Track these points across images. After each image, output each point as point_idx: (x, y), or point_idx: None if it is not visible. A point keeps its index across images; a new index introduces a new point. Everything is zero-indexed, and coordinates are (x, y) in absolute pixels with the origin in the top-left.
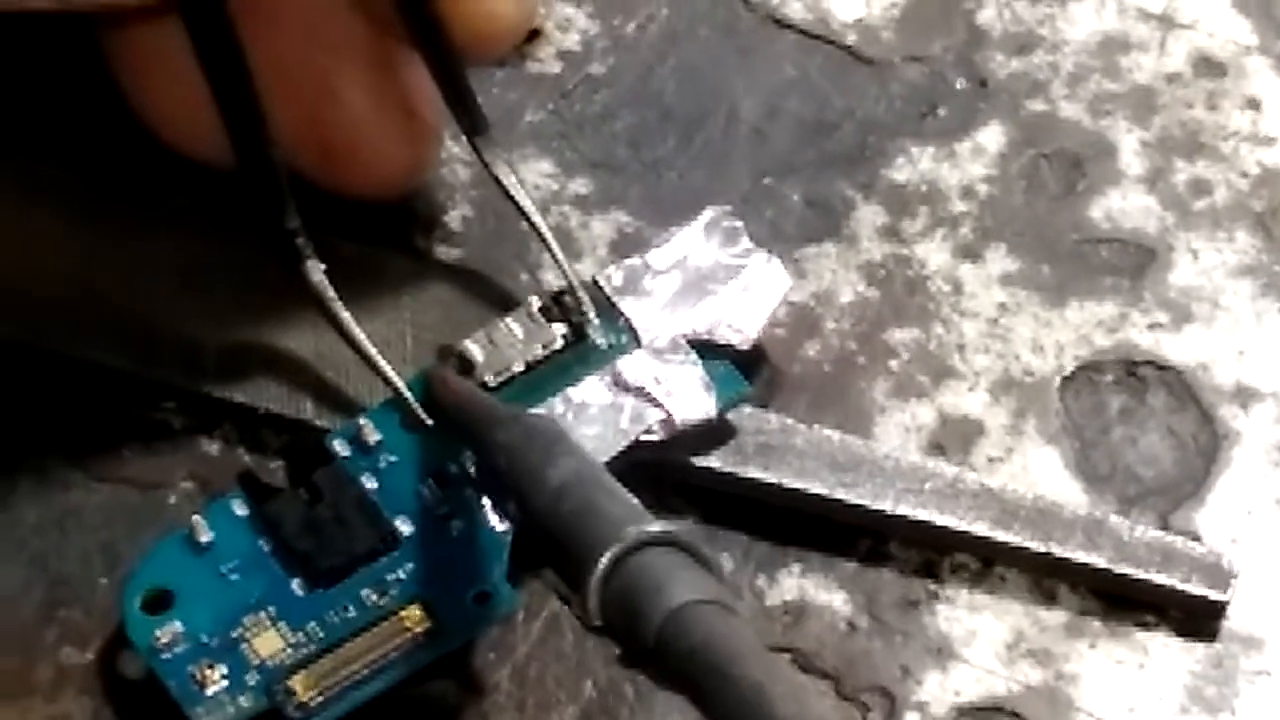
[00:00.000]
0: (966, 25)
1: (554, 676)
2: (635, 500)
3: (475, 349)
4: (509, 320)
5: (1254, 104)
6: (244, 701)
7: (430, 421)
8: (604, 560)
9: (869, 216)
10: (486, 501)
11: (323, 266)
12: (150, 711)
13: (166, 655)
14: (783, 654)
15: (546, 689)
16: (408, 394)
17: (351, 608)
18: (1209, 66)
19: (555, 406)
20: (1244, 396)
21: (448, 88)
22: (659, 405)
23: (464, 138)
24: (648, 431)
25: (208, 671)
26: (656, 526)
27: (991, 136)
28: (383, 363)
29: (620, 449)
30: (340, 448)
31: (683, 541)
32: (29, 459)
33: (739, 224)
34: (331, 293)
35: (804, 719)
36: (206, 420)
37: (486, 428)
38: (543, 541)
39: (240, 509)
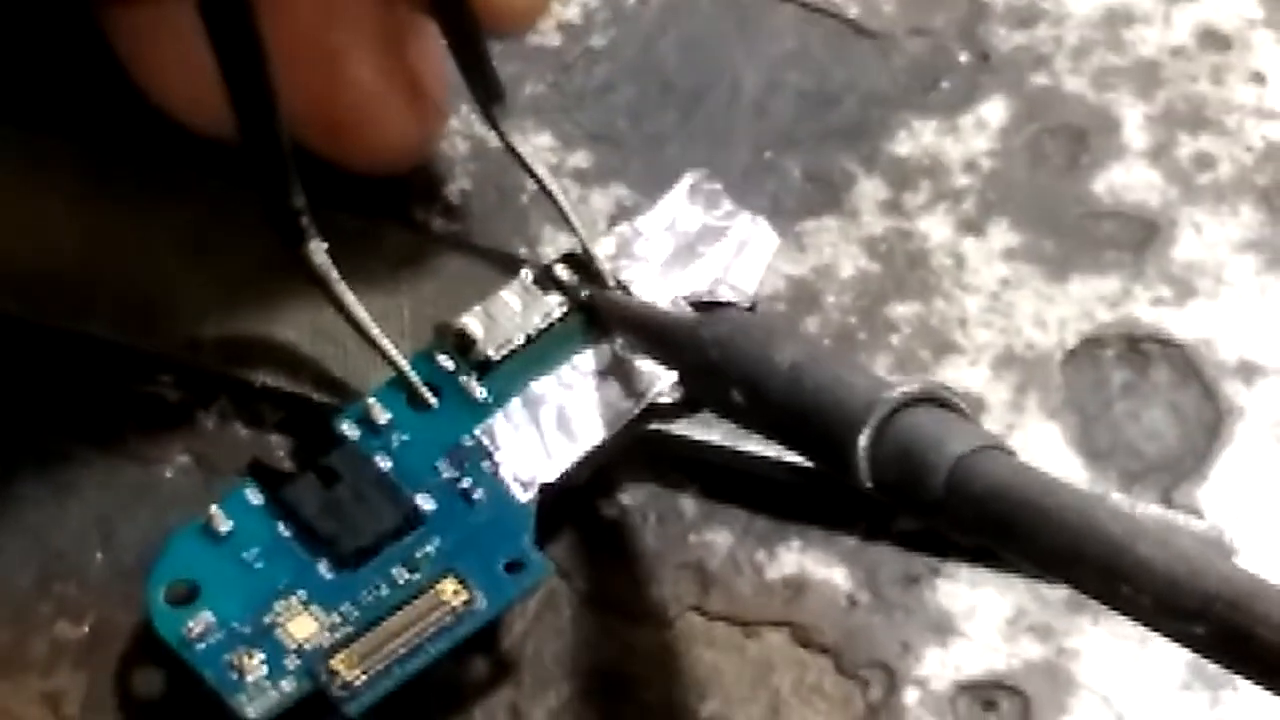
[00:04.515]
0: None
1: (551, 653)
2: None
3: (474, 324)
4: (505, 294)
5: (1259, 78)
6: (286, 686)
7: (435, 402)
8: (871, 424)
9: (870, 190)
10: (507, 473)
11: (325, 246)
12: (144, 688)
13: (200, 646)
14: (782, 629)
15: (544, 666)
16: (413, 376)
17: (384, 586)
18: (1214, 40)
19: (563, 375)
20: (1247, 372)
21: (465, 57)
22: None
23: (478, 108)
24: (659, 394)
25: (245, 659)
26: (913, 386)
27: (994, 110)
28: (387, 344)
29: (635, 414)
30: (350, 429)
31: (943, 397)
32: (25, 433)
33: (718, 186)
34: (335, 274)
35: (1138, 534)
36: (203, 395)
37: (684, 330)
38: (782, 423)
39: (254, 497)
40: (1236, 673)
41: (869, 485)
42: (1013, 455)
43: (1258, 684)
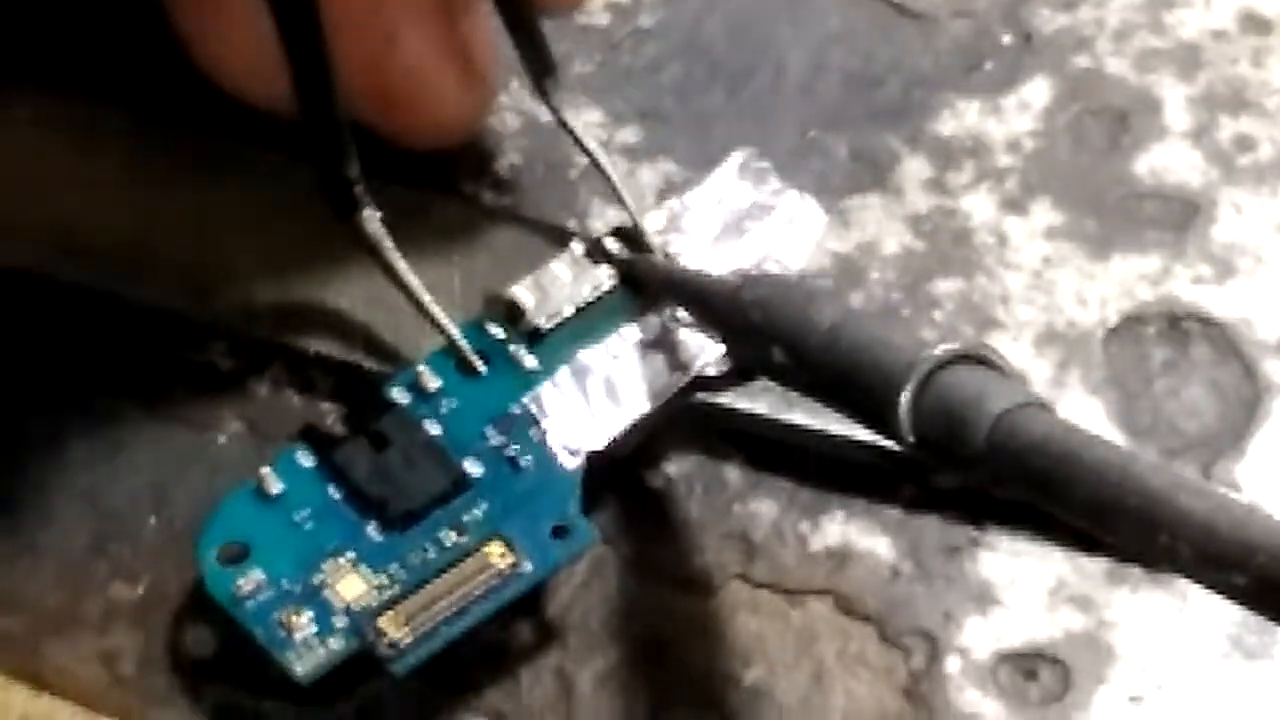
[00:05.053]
0: None
1: (598, 619)
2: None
3: (524, 295)
4: (555, 265)
5: None
6: (334, 644)
7: (484, 370)
8: (913, 380)
9: (914, 169)
10: (554, 440)
11: (380, 215)
12: (197, 648)
13: (250, 604)
14: (825, 598)
15: (591, 631)
16: (464, 343)
17: (431, 548)
18: (1254, 23)
19: (611, 346)
20: None
21: (518, 32)
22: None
23: (530, 83)
24: (705, 366)
25: (294, 617)
26: (955, 344)
27: (1037, 91)
28: (439, 312)
29: (681, 385)
30: (400, 395)
31: (984, 355)
32: (81, 399)
33: (767, 164)
34: (389, 242)
35: (1178, 485)
36: (256, 362)
37: (727, 292)
38: (824, 381)
39: (306, 460)
40: (1277, 622)
41: (911, 441)
42: (1052, 411)
43: None
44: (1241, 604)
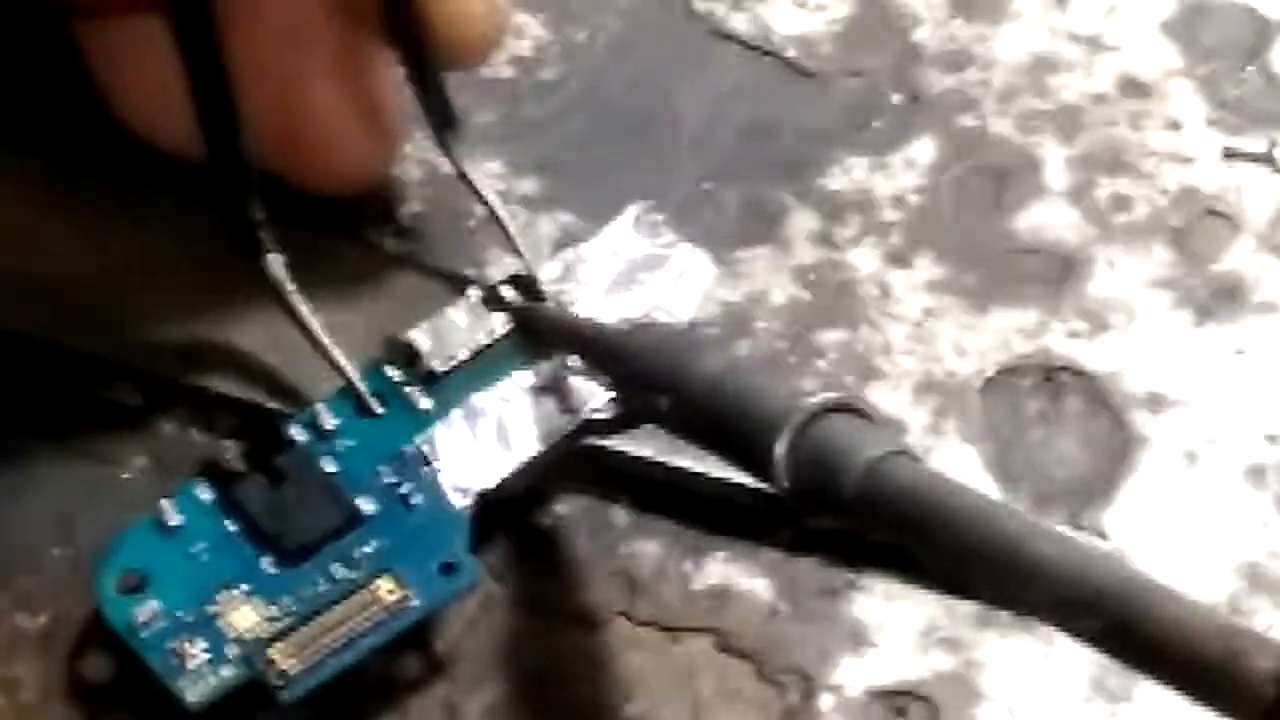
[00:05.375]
0: (903, 42)
1: (487, 653)
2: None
3: (421, 338)
4: (452, 311)
5: (1175, 125)
6: (225, 673)
7: (381, 411)
8: (788, 429)
9: (803, 222)
10: (445, 480)
11: (284, 259)
12: (95, 673)
13: (145, 634)
14: (705, 635)
15: (479, 664)
16: (361, 385)
17: (323, 581)
18: (1134, 88)
19: (503, 390)
20: (1154, 403)
21: (421, 84)
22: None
23: (432, 135)
24: (594, 411)
25: (188, 646)
26: (829, 395)
27: (923, 149)
28: (339, 355)
29: (569, 430)
30: (299, 434)
31: (857, 406)
32: None
33: (661, 218)
34: (292, 285)
35: (1035, 533)
36: (162, 400)
37: (612, 340)
38: (706, 428)
39: (205, 494)
40: (1126, 665)
41: (786, 487)
42: (920, 461)
43: (1147, 676)
44: (1092, 647)
